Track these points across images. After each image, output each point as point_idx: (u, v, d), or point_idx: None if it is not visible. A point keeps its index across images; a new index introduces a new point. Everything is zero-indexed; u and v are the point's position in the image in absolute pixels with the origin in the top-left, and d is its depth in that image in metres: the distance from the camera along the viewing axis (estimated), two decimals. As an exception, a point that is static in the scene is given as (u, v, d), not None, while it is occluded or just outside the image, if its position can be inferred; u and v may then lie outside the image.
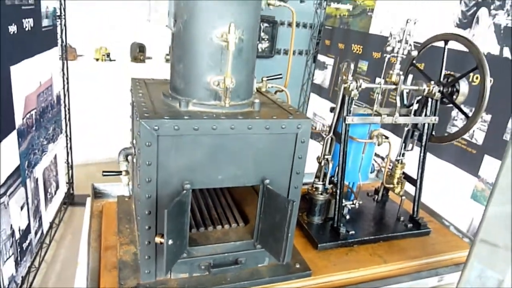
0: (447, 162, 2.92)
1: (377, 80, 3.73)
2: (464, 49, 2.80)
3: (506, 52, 2.62)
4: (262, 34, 4.94)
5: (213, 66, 1.10)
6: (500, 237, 0.99)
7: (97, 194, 1.68)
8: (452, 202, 2.81)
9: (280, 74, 1.42)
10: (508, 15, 2.61)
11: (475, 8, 2.86)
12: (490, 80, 2.74)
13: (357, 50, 4.09)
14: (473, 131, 2.79)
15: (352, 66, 1.38)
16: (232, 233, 1.29)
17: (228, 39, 1.03)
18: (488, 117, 2.69)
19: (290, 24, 5.01)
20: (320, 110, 4.73)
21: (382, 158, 3.36)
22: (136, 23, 4.83)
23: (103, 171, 1.27)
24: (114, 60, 4.74)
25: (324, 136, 1.51)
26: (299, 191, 1.23)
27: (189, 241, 1.17)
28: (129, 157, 1.24)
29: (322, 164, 1.51)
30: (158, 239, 1.04)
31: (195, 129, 1.03)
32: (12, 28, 2.45)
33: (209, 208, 1.40)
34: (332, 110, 1.48)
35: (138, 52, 4.82)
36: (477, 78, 2.63)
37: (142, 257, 1.14)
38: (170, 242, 1.01)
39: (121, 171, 1.22)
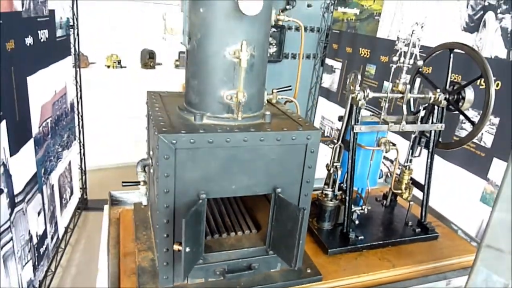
0: (456, 165, 2.93)
1: (385, 84, 3.75)
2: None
3: (514, 56, 2.63)
4: (270, 39, 4.99)
5: (226, 81, 1.16)
6: (505, 243, 1.02)
7: (114, 202, 1.75)
8: (461, 205, 2.83)
9: (290, 86, 1.47)
10: (515, 18, 2.63)
11: (481, 12, 2.88)
12: (498, 84, 2.77)
13: (364, 54, 4.12)
14: (482, 134, 2.81)
15: (359, 76, 1.43)
16: (245, 240, 1.35)
17: (240, 56, 1.08)
18: (496, 120, 2.70)
19: (297, 29, 5.05)
20: (329, 114, 4.76)
21: (391, 161, 3.39)
22: (146, 30, 4.92)
23: (123, 182, 1.33)
24: (125, 67, 4.84)
25: (335, 142, 1.56)
26: (309, 199, 1.28)
27: (205, 248, 1.22)
28: (147, 168, 1.29)
29: (331, 171, 1.56)
30: (176, 247, 1.09)
31: (210, 142, 1.08)
32: (29, 40, 2.54)
33: (223, 215, 1.46)
34: (340, 118, 1.53)
35: (148, 59, 4.91)
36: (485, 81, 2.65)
37: (160, 264, 1.19)
38: (187, 249, 1.07)
39: (139, 181, 1.28)
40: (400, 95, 1.53)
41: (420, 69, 1.72)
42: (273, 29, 4.93)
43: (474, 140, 2.79)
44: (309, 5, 4.99)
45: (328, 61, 4.81)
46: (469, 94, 1.59)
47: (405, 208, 1.78)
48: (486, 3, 2.83)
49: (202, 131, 1.09)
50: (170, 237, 1.15)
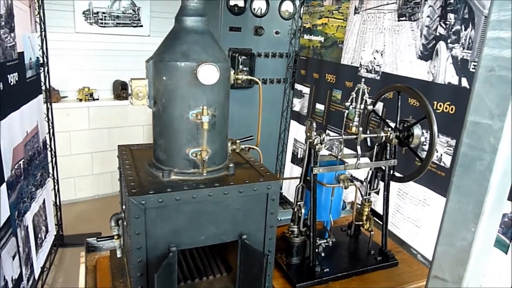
0: (422, 186, 3.10)
1: (350, 109, 3.93)
2: (429, 79, 3.02)
3: (464, 82, 2.84)
4: (240, 66, 5.14)
5: (191, 140, 1.26)
6: (448, 274, 1.16)
7: (90, 248, 1.80)
8: (429, 223, 2.98)
9: (252, 136, 1.59)
10: (463, 48, 2.85)
11: (434, 42, 3.09)
12: (452, 108, 2.97)
13: (330, 79, 4.31)
14: (441, 155, 3.00)
15: (314, 124, 1.56)
16: (217, 283, 1.43)
17: (202, 119, 1.19)
18: (453, 142, 2.89)
19: (266, 55, 5.24)
20: (300, 137, 4.92)
21: (361, 182, 3.54)
22: (117, 61, 5.00)
23: (97, 238, 1.40)
24: (97, 99, 4.87)
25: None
26: (273, 242, 1.38)
27: (178, 295, 1.30)
28: (120, 221, 1.37)
29: (296, 209, 1.67)
30: (149, 299, 1.17)
31: (177, 200, 1.18)
32: (-1, 86, 2.58)
33: (195, 259, 1.54)
34: (301, 161, 1.65)
35: (121, 90, 4.96)
36: (448, 106, 2.86)
37: (135, 314, 1.26)
38: (161, 301, 1.15)
39: (113, 236, 1.35)
40: (354, 137, 1.66)
41: (373, 110, 1.86)
42: (244, 57, 5.10)
43: (435, 160, 2.98)
44: (277, 32, 5.19)
45: (297, 86, 4.98)
46: (417, 131, 1.74)
47: (368, 236, 1.90)
48: (437, 34, 3.05)
49: (170, 189, 1.18)
50: (144, 288, 1.23)
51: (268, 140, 5.13)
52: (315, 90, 4.58)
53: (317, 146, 1.56)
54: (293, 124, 5.10)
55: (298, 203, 1.66)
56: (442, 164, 2.97)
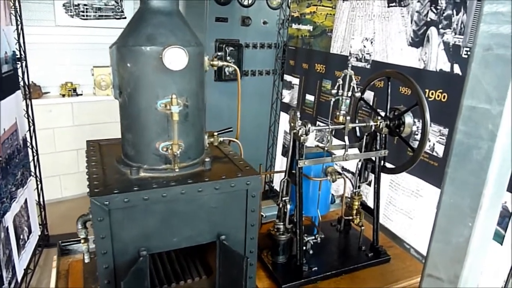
0: (414, 176, 3.01)
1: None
2: (420, 66, 2.92)
3: (457, 69, 2.75)
4: (228, 58, 5.01)
5: (161, 133, 1.15)
6: (443, 272, 1.06)
7: (64, 252, 1.69)
8: (421, 215, 2.91)
9: (231, 128, 1.48)
10: (455, 33, 2.75)
11: (425, 28, 2.99)
12: (444, 96, 2.87)
13: (320, 69, 4.20)
14: (433, 144, 2.91)
15: (298, 114, 1.45)
16: (196, 287, 1.33)
17: (171, 109, 1.07)
18: (445, 131, 2.81)
19: (255, 46, 5.12)
20: (291, 129, 4.82)
21: (352, 173, 3.45)
22: (100, 55, 4.83)
23: (62, 241, 1.29)
24: (81, 95, 4.71)
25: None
26: (255, 242, 1.28)
27: (152, 301, 1.20)
28: (88, 223, 1.25)
29: (281, 205, 1.57)
30: (118, 309, 1.07)
31: (145, 199, 1.07)
32: (-30, 81, 2.44)
33: (172, 262, 1.43)
34: (285, 154, 1.54)
35: (105, 85, 4.81)
36: (440, 94, 2.76)
37: (105, 324, 1.16)
38: (130, 310, 1.04)
39: (80, 239, 1.24)
40: (342, 126, 1.56)
41: (362, 98, 1.76)
42: (231, 48, 4.98)
43: (427, 150, 2.89)
44: (265, 22, 5.07)
45: (287, 77, 4.87)
46: (408, 119, 1.64)
47: (359, 232, 1.81)
48: (428, 19, 2.95)
49: (137, 188, 1.07)
50: (113, 297, 1.12)
51: (258, 132, 5.02)
52: (305, 80, 4.46)
53: (302, 137, 1.46)
54: (283, 116, 4.99)
55: (284, 198, 1.56)
56: (434, 154, 2.88)
